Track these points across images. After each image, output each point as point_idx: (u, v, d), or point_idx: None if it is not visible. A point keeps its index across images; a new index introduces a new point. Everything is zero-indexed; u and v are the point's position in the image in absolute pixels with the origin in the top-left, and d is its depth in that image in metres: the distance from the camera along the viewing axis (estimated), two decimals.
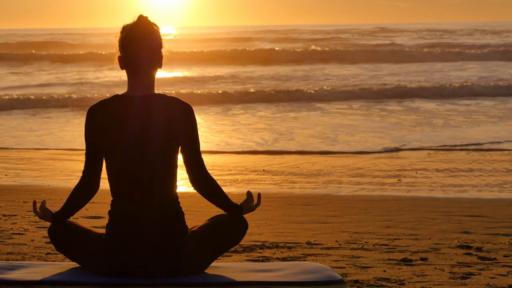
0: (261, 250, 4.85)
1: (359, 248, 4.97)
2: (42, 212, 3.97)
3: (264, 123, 15.08)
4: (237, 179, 8.78)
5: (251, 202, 4.03)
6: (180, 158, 3.86)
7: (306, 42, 52.66)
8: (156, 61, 3.84)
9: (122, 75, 26.03)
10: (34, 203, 3.98)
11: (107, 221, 3.86)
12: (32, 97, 20.04)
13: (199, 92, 21.42)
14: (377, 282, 3.96)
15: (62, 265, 4.15)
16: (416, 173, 9.15)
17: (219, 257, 4.32)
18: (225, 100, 19.72)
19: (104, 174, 3.86)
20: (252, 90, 21.64)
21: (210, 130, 13.88)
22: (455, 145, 11.62)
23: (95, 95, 20.74)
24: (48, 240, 4.99)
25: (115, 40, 3.85)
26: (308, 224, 6.06)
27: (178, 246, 3.80)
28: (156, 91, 3.86)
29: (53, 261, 4.45)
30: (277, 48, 39.68)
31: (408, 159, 10.33)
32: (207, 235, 3.92)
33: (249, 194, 4.05)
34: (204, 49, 40.80)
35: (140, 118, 3.77)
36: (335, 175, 9.08)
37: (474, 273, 4.20)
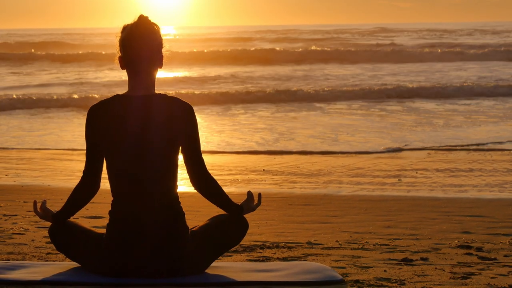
0: (261, 250, 4.85)
1: (359, 248, 4.97)
2: (43, 212, 3.97)
3: (264, 123, 15.08)
4: (237, 179, 8.78)
5: (251, 202, 4.03)
6: (180, 158, 3.86)
7: (306, 42, 52.67)
8: (157, 61, 3.84)
9: (123, 75, 26.04)
10: (35, 203, 3.98)
11: (107, 221, 3.86)
12: (32, 97, 20.03)
13: (199, 92, 21.42)
14: (377, 282, 3.96)
15: (63, 265, 4.15)
16: (416, 173, 9.15)
17: (220, 257, 4.32)
18: (225, 100, 19.72)
19: (104, 174, 3.86)
20: (252, 90, 21.65)
21: (210, 130, 13.88)
22: (458, 145, 11.60)
23: (96, 95, 20.73)
24: (49, 240, 4.99)
25: (115, 40, 3.85)
26: (308, 224, 6.06)
27: (178, 246, 3.80)
28: (156, 91, 3.86)
29: (54, 261, 4.45)
30: (277, 48, 39.69)
31: (408, 159, 10.34)
32: (207, 235, 3.92)
33: (249, 194, 4.04)
34: (204, 49, 40.80)
35: (140, 118, 3.77)
36: (335, 175, 9.08)
37: (474, 273, 4.20)
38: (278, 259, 4.59)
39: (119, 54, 3.84)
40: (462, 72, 28.61)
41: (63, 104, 19.15)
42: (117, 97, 3.83)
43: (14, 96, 20.10)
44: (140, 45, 3.78)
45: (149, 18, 3.82)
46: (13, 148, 11.79)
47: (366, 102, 19.33)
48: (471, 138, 12.42)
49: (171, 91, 20.89)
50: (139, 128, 3.77)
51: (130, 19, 3.81)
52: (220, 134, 13.32)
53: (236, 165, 9.95)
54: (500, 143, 11.86)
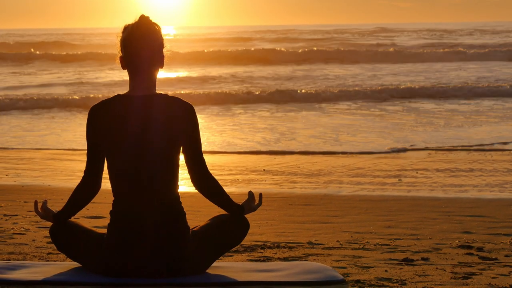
0: (262, 250, 4.85)
1: (360, 248, 4.97)
2: (44, 212, 3.97)
3: (265, 123, 15.09)
4: (237, 179, 8.78)
5: (252, 202, 4.03)
6: (181, 158, 3.86)
7: (306, 42, 52.68)
8: (157, 61, 3.84)
9: (123, 75, 26.04)
10: (36, 203, 3.98)
11: (108, 221, 3.86)
12: (32, 97, 20.03)
13: (199, 92, 21.42)
14: (378, 282, 3.96)
15: (64, 265, 4.15)
16: (417, 173, 9.15)
17: (221, 257, 4.32)
18: (225, 100, 19.72)
19: (105, 173, 3.86)
20: (252, 90, 21.65)
21: (210, 130, 13.88)
22: (463, 146, 11.57)
23: (97, 95, 20.73)
24: (49, 240, 4.99)
25: (116, 40, 3.85)
26: (309, 224, 6.06)
27: (179, 246, 3.80)
28: (157, 91, 3.86)
29: (55, 261, 4.45)
30: (277, 48, 39.69)
31: (408, 159, 10.34)
32: (208, 235, 3.92)
33: (250, 194, 4.04)
34: (204, 49, 40.81)
35: (141, 118, 3.77)
36: (335, 175, 9.08)
37: (475, 273, 4.20)
38: (279, 259, 4.59)
39: (120, 54, 3.84)
40: (462, 72, 28.61)
41: (64, 104, 19.14)
42: (118, 97, 3.83)
43: (15, 96, 20.10)
44: (141, 45, 3.78)
45: (150, 18, 3.82)
46: (13, 148, 11.79)
47: (366, 102, 19.33)
48: (473, 138, 12.40)
49: (171, 91, 20.89)
50: (139, 128, 3.77)
51: (131, 19, 3.81)
52: (220, 134, 13.32)
53: (236, 165, 9.95)
54: (505, 143, 11.84)
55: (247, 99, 19.87)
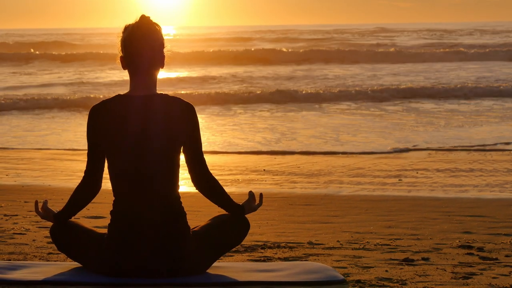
0: (262, 250, 4.85)
1: (360, 248, 4.97)
2: (44, 212, 3.97)
3: (265, 123, 15.09)
4: (238, 179, 8.78)
5: (253, 202, 4.03)
6: (182, 158, 3.86)
7: (306, 42, 52.68)
8: (158, 61, 3.84)
9: (124, 75, 26.06)
10: (36, 203, 3.98)
11: (108, 221, 3.86)
12: (33, 97, 20.03)
13: (199, 92, 21.42)
14: (379, 282, 3.96)
15: (64, 265, 4.15)
16: (417, 173, 9.15)
17: (221, 257, 4.32)
18: (225, 100, 19.71)
19: (106, 173, 3.86)
20: (252, 90, 21.65)
21: (210, 130, 13.88)
22: (465, 146, 11.55)
23: (97, 95, 20.73)
24: (50, 240, 4.99)
25: (117, 40, 3.85)
26: (309, 224, 6.06)
27: (179, 246, 3.80)
28: (157, 91, 3.86)
29: (55, 261, 4.45)
30: (277, 48, 39.69)
31: (408, 159, 10.34)
32: (209, 235, 3.92)
33: (251, 194, 4.04)
34: (204, 49, 40.81)
35: (140, 118, 3.77)
36: (335, 175, 9.08)
37: (476, 273, 4.20)
38: (280, 259, 4.59)
39: (120, 54, 3.85)
40: (462, 72, 28.61)
41: (64, 104, 19.14)
42: (118, 97, 3.83)
43: (15, 96, 20.09)
44: (141, 45, 3.78)
45: (151, 18, 3.82)
46: (13, 148, 11.79)
47: (366, 102, 19.33)
48: (474, 138, 12.40)
49: (171, 91, 20.90)
50: (139, 128, 3.77)
51: (132, 19, 3.81)
52: (220, 134, 13.32)
53: (236, 165, 9.95)
54: (507, 143, 11.82)
55: (247, 99, 19.87)
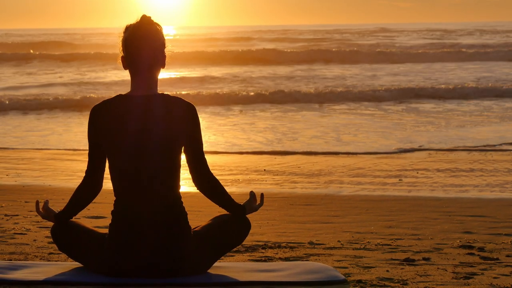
0: (263, 250, 4.85)
1: (361, 248, 4.97)
2: (45, 212, 3.97)
3: (265, 123, 15.08)
4: (238, 179, 8.78)
5: (254, 202, 4.03)
6: (183, 157, 3.86)
7: (306, 42, 52.67)
8: (159, 61, 3.84)
9: (124, 74, 26.07)
10: (37, 203, 3.98)
11: (109, 221, 3.86)
12: (33, 97, 20.03)
13: (199, 92, 21.41)
14: (380, 282, 3.96)
15: (65, 265, 4.15)
16: (417, 173, 9.15)
17: (222, 257, 4.32)
18: (225, 100, 19.71)
19: (107, 173, 3.86)
20: (252, 90, 21.65)
21: (210, 130, 13.88)
22: (469, 146, 11.53)
23: (97, 95, 20.73)
24: (51, 240, 5.00)
25: (118, 40, 3.84)
26: (310, 224, 6.06)
27: (180, 246, 3.79)
28: (158, 91, 3.86)
29: (56, 261, 4.45)
30: (277, 48, 39.69)
31: (408, 159, 10.33)
32: (210, 235, 3.91)
33: (252, 194, 4.04)
34: (204, 49, 40.81)
35: (141, 118, 3.77)
36: (336, 175, 9.08)
37: (477, 273, 4.20)
38: (280, 259, 4.59)
39: (121, 54, 3.84)
40: (462, 72, 28.61)
41: (64, 104, 19.14)
42: (119, 97, 3.83)
43: (15, 96, 20.08)
44: (142, 45, 3.78)
45: (152, 18, 3.82)
46: (14, 148, 11.79)
47: (366, 102, 19.32)
48: (476, 138, 12.38)
49: (171, 91, 20.89)
50: (140, 128, 3.77)
51: (133, 19, 3.81)
52: (220, 134, 13.32)
53: (237, 165, 9.95)
54: (511, 143, 11.80)
55: (247, 99, 19.87)
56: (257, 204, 4.04)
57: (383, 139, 12.43)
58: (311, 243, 5.14)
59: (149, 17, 3.81)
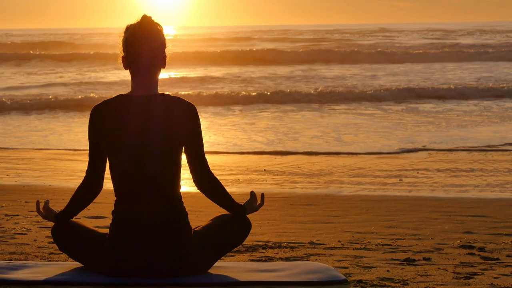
0: (264, 250, 4.85)
1: (361, 248, 4.97)
2: (46, 212, 3.97)
3: (265, 123, 15.08)
4: (238, 179, 8.78)
5: (254, 202, 4.03)
6: (184, 157, 3.86)
7: (306, 42, 52.68)
8: (160, 61, 3.84)
9: (124, 74, 26.07)
10: (38, 203, 3.98)
11: (110, 221, 3.86)
12: (33, 97, 20.03)
13: (199, 92, 21.41)
14: (380, 282, 3.96)
15: (65, 265, 4.15)
16: (417, 173, 9.15)
17: (222, 257, 4.32)
18: (225, 100, 19.71)
19: (107, 173, 3.86)
20: (252, 90, 21.64)
21: (210, 130, 13.88)
22: (472, 146, 11.51)
23: (97, 95, 20.73)
24: (51, 240, 5.00)
25: (118, 40, 3.84)
26: (310, 224, 6.06)
27: (180, 246, 3.79)
28: (159, 91, 3.86)
29: (56, 261, 4.45)
30: (277, 48, 39.68)
31: (409, 159, 10.33)
32: (210, 235, 3.91)
33: (252, 194, 4.04)
34: (204, 49, 40.81)
35: (141, 118, 3.77)
36: (336, 175, 9.08)
37: (477, 273, 4.20)
38: (281, 259, 4.59)
39: (122, 54, 3.84)
40: (462, 72, 28.61)
41: (64, 104, 19.14)
42: (119, 97, 3.83)
43: (15, 96, 20.08)
44: (143, 45, 3.78)
45: (152, 18, 3.82)
46: (14, 148, 11.79)
47: (366, 102, 19.32)
48: (478, 138, 12.38)
49: (171, 91, 20.89)
50: (140, 128, 3.77)
51: (133, 19, 3.81)
52: (220, 134, 13.32)
53: (237, 165, 9.95)
54: None
55: (247, 99, 19.87)
56: (257, 204, 4.04)
57: (383, 139, 12.43)
58: (311, 243, 5.14)
59: (150, 17, 3.81)
